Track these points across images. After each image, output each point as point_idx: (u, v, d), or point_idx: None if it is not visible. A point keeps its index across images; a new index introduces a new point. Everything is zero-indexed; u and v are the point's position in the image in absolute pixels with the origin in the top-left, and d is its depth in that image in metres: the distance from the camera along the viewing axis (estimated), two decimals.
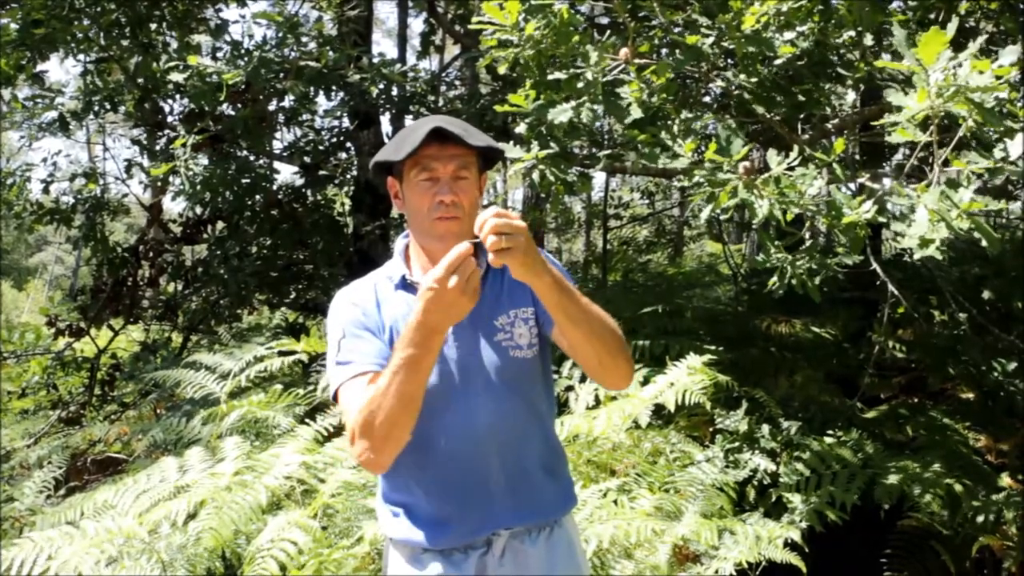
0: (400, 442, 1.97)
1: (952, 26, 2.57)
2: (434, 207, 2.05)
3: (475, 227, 1.79)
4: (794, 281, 3.40)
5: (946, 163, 2.85)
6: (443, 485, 2.11)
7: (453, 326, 1.98)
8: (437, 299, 1.80)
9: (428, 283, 1.80)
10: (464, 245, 1.79)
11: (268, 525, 3.80)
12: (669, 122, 3.97)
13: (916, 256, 2.77)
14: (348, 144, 9.27)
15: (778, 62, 4.29)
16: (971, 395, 6.66)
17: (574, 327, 1.99)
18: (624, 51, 3.88)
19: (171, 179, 7.93)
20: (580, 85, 3.74)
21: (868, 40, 4.18)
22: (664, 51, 5.11)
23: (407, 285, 2.15)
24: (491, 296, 2.12)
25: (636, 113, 3.71)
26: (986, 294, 6.90)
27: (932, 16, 4.35)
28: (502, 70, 4.01)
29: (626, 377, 2.15)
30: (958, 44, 2.67)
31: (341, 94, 7.74)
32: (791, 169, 3.26)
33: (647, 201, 14.52)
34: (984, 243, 2.72)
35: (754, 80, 4.24)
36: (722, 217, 3.37)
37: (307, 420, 4.70)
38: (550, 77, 3.83)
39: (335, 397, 2.08)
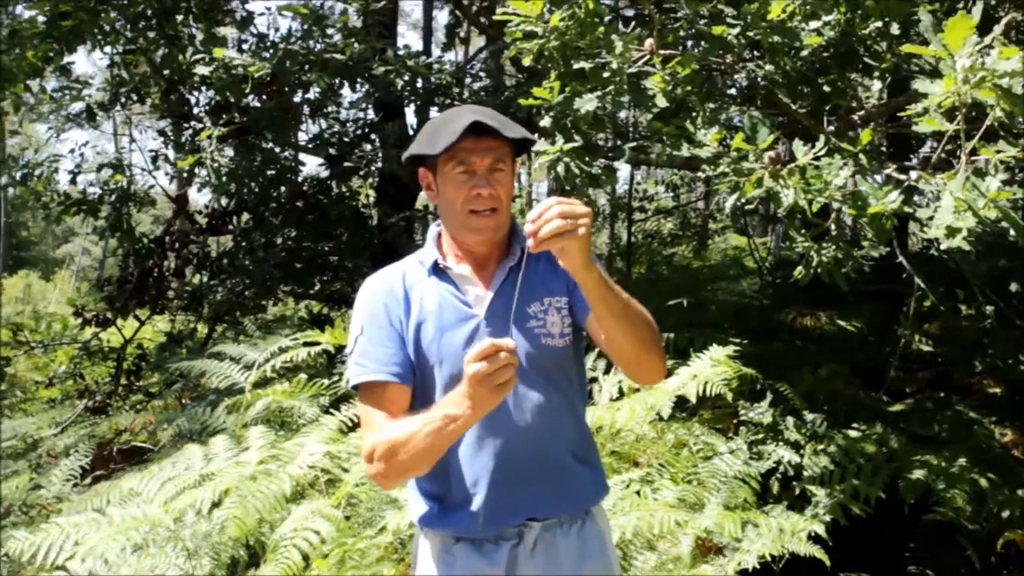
0: (416, 475, 2.09)
1: (978, 10, 2.54)
2: (470, 199, 2.04)
3: (534, 215, 1.77)
4: (820, 270, 3.39)
5: (973, 153, 2.82)
6: (475, 472, 2.10)
7: (487, 314, 2.08)
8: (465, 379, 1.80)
9: (464, 362, 1.79)
10: (507, 340, 1.76)
11: (292, 514, 3.83)
12: (694, 113, 3.95)
13: (943, 246, 2.75)
14: (373, 136, 9.27)
15: (804, 53, 4.25)
16: (998, 389, 6.61)
17: (615, 322, 1.97)
18: (649, 42, 3.87)
19: (197, 171, 7.98)
20: (606, 75, 3.73)
21: (895, 30, 4.14)
22: (689, 43, 5.09)
23: (439, 271, 2.15)
24: (526, 283, 2.06)
25: (661, 103, 3.70)
26: (1013, 287, 6.83)
27: (960, 6, 4.30)
28: (527, 62, 4.00)
29: (660, 372, 2.16)
30: (984, 33, 2.64)
31: (366, 86, 7.76)
32: (817, 159, 3.24)
33: (672, 194, 14.45)
34: (1012, 233, 2.70)
35: (780, 71, 4.21)
36: (747, 208, 3.36)
37: (331, 410, 4.72)
38: (575, 67, 3.82)
39: (355, 388, 2.12)
